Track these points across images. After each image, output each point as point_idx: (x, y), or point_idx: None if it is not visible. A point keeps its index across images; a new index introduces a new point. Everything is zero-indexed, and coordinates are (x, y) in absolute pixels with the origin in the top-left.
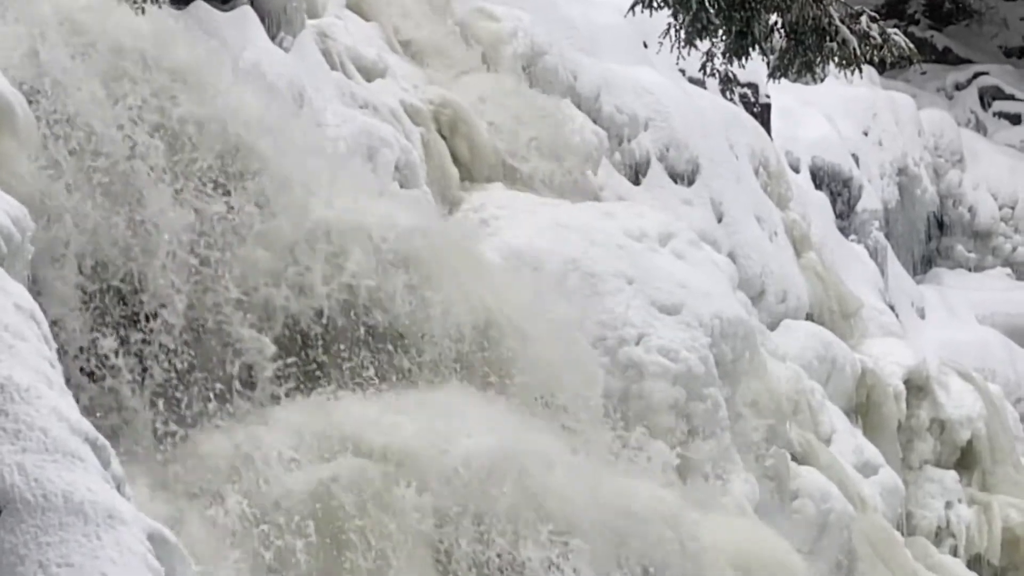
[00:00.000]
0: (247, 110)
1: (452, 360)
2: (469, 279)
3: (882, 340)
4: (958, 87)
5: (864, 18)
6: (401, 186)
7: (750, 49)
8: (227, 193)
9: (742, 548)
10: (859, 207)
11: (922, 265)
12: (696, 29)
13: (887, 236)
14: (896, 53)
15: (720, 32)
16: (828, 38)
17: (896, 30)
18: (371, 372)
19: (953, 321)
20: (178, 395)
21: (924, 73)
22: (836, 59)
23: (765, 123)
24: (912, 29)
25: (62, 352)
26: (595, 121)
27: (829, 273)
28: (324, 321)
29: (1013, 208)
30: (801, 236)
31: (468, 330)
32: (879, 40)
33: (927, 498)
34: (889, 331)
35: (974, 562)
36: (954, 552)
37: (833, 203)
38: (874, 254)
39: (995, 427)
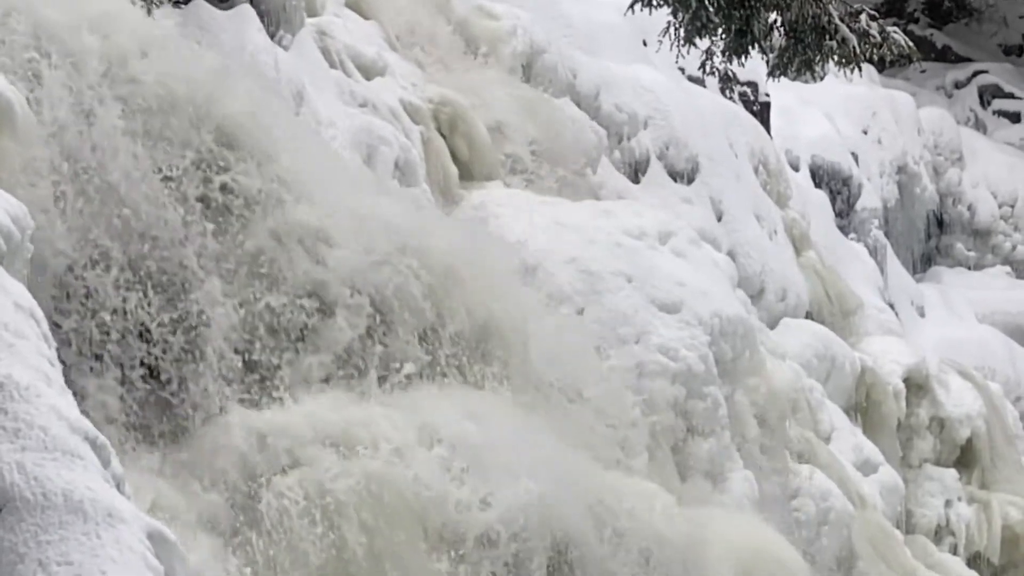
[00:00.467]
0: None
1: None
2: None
3: (882, 338)
4: (958, 85)
5: (863, 16)
6: (400, 184)
7: (749, 47)
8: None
9: (742, 547)
10: (858, 205)
11: (922, 263)
12: (695, 27)
13: (887, 234)
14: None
15: (719, 30)
16: (827, 36)
17: (895, 28)
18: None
19: (953, 319)
20: None
21: (924, 71)
22: (835, 57)
23: (764, 121)
24: (911, 27)
25: None
26: (594, 119)
27: (829, 272)
28: None
29: (1013, 206)
30: (800, 235)
31: (467, 329)
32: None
33: (927, 496)
34: (889, 329)
35: (974, 560)
36: (954, 550)
37: (833, 202)
38: (874, 252)
39: (995, 425)
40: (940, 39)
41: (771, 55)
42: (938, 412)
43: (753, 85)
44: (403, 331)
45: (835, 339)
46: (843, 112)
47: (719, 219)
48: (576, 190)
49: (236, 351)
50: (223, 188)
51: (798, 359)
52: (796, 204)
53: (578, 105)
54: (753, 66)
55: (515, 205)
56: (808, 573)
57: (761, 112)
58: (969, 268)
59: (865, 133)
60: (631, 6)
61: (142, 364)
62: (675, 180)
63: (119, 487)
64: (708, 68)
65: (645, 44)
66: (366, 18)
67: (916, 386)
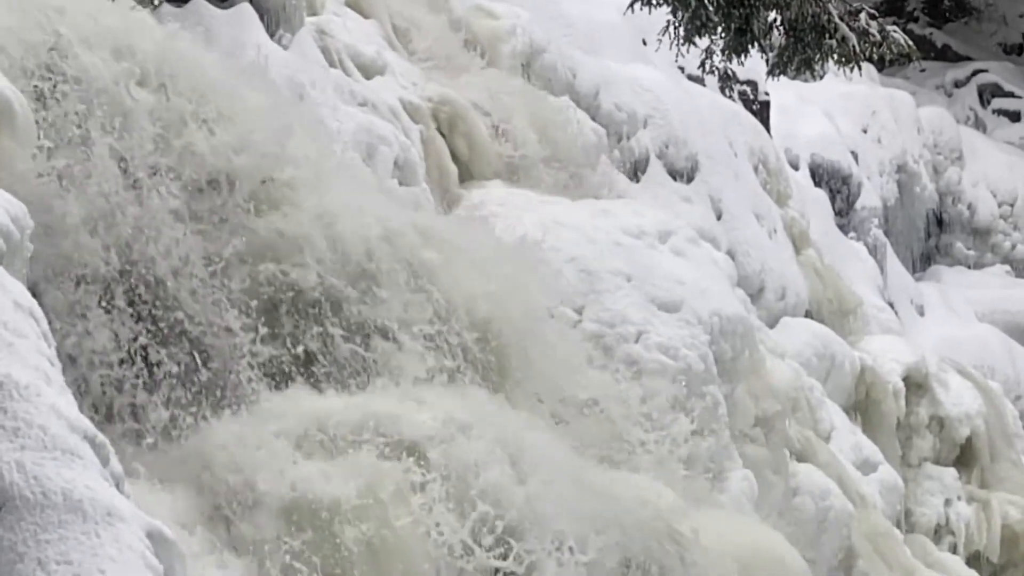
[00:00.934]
0: None
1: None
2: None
3: (881, 337)
4: (957, 84)
5: (863, 15)
6: (400, 183)
7: (749, 46)
8: None
9: (741, 545)
10: (858, 204)
11: (921, 262)
12: (695, 26)
13: (886, 233)
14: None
15: (719, 29)
16: (827, 35)
17: (895, 27)
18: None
19: (952, 318)
20: None
21: (923, 70)
22: (835, 56)
23: (764, 120)
24: (911, 26)
25: None
26: (594, 119)
27: (828, 270)
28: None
29: (1012, 205)
30: (800, 233)
31: (466, 328)
32: (878, 37)
33: (926, 495)
34: (888, 328)
35: (973, 559)
36: (953, 549)
37: (832, 200)
38: (873, 251)
39: (994, 424)
40: (940, 38)
41: (771, 54)
42: (937, 411)
43: (753, 84)
44: None
45: (834, 338)
46: (843, 111)
47: (719, 218)
48: (575, 189)
49: None
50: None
51: (798, 358)
52: (795, 203)
53: (577, 104)
54: (753, 65)
55: (514, 204)
56: (807, 572)
57: (761, 111)
58: (969, 267)
59: (865, 132)
60: (631, 5)
61: None
62: (674, 179)
63: (118, 486)
64: (708, 67)
65: (645, 43)
66: (366, 17)
67: (915, 385)
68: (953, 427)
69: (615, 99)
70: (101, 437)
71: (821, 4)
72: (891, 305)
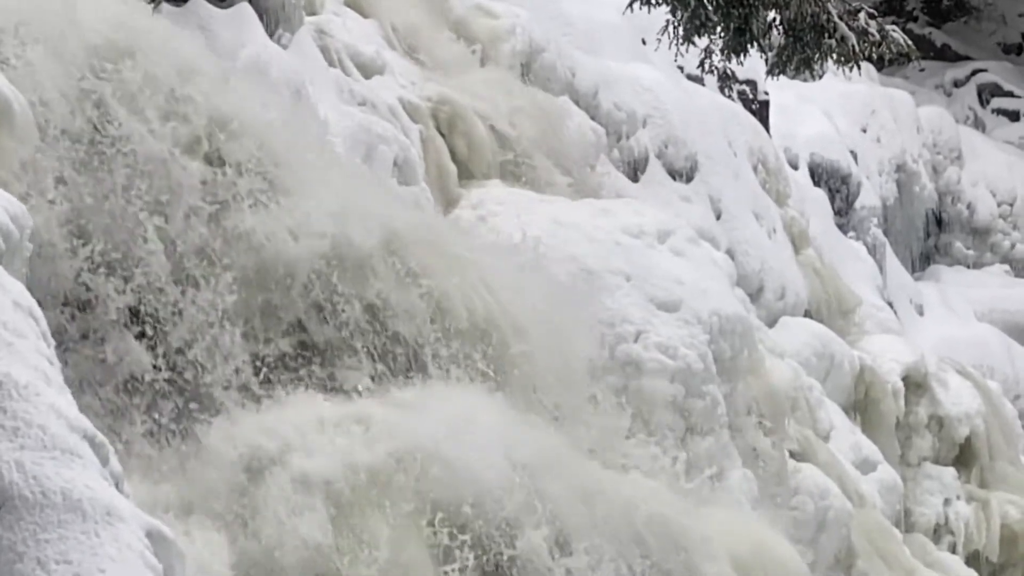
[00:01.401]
0: None
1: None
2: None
3: (880, 337)
4: (956, 84)
5: (862, 15)
6: (399, 183)
7: (748, 46)
8: None
9: (740, 545)
10: (857, 204)
11: (920, 262)
12: (694, 26)
13: (885, 233)
14: (894, 50)
15: (718, 29)
16: (826, 35)
17: (894, 27)
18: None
19: (951, 318)
20: None
21: (923, 70)
22: (834, 56)
23: (763, 120)
24: (910, 26)
25: None
26: (593, 118)
27: (827, 270)
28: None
29: (1012, 205)
30: (799, 233)
31: (465, 327)
32: (877, 37)
33: (925, 495)
34: (887, 328)
35: (972, 559)
36: (952, 549)
37: (831, 200)
38: (872, 251)
39: (993, 424)
40: (939, 37)
41: (770, 53)
42: (937, 410)
43: (752, 83)
44: None
45: (834, 337)
46: (842, 110)
47: (718, 217)
48: (575, 189)
49: None
50: None
51: (797, 357)
52: (795, 202)
53: (577, 104)
54: (752, 64)
55: (514, 204)
56: (806, 572)
57: (760, 110)
58: (968, 267)
59: (864, 131)
60: (630, 5)
61: None
62: (674, 179)
63: (118, 485)
64: (707, 67)
65: (644, 43)
66: (365, 16)
67: (915, 384)
68: (952, 427)
69: (614, 99)
70: (100, 436)
71: (820, 3)
72: (890, 305)
